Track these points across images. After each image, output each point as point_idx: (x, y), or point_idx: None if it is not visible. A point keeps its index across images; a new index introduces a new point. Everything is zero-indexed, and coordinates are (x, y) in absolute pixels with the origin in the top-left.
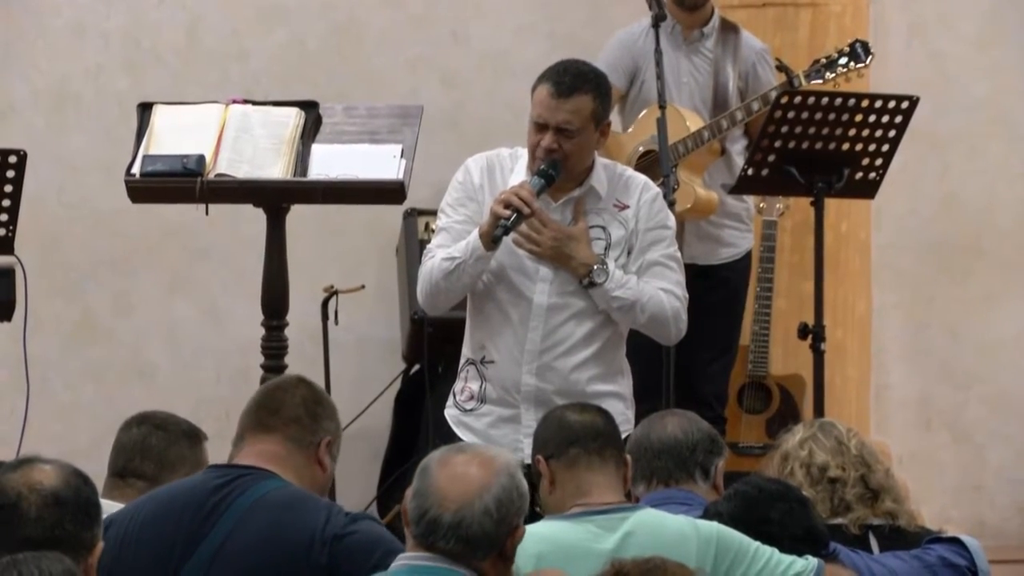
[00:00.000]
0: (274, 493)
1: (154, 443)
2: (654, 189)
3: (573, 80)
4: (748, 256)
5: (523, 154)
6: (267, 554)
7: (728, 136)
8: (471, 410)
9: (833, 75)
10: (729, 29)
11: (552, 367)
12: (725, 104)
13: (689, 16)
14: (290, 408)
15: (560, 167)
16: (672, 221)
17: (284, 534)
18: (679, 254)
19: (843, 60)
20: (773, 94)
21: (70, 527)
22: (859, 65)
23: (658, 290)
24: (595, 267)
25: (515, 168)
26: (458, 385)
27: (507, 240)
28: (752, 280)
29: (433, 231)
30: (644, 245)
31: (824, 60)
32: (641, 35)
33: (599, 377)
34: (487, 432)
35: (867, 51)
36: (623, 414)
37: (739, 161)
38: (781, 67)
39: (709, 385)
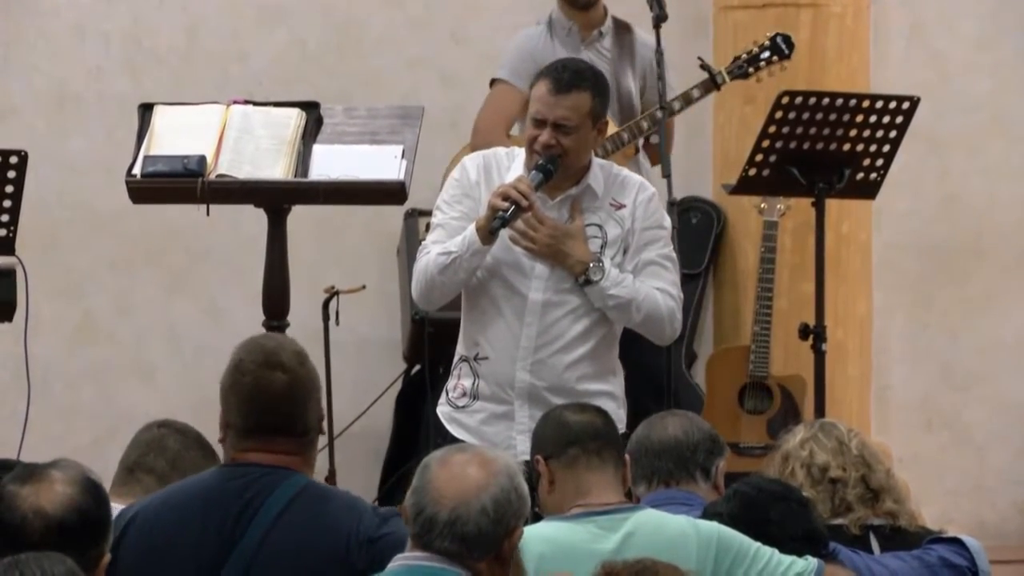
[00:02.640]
0: (302, 495)
1: (171, 444)
2: (650, 189)
3: (572, 77)
4: None
5: (519, 153)
6: (306, 559)
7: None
8: (464, 407)
9: (756, 70)
10: (623, 28)
11: (546, 364)
12: (628, 103)
13: (583, 16)
14: (287, 413)
15: (558, 162)
16: (668, 221)
17: (320, 538)
18: (674, 254)
19: (765, 54)
20: (696, 92)
21: (72, 554)
22: (782, 59)
23: (653, 289)
24: (591, 265)
25: (512, 167)
26: (451, 382)
27: (503, 236)
28: (752, 281)
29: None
30: (640, 244)
31: (745, 56)
32: (539, 38)
33: (591, 376)
34: (480, 429)
35: (789, 44)
36: (615, 413)
37: (641, 158)
38: (703, 66)
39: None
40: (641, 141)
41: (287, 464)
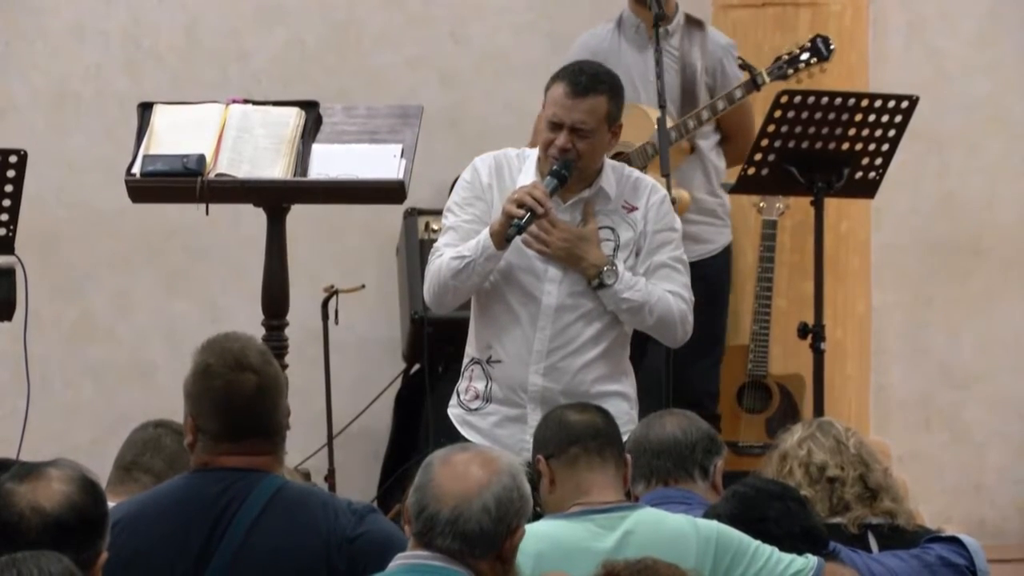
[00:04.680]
0: (278, 496)
1: (168, 443)
2: (662, 191)
3: (589, 80)
4: (726, 252)
5: (531, 154)
6: (286, 560)
7: (697, 133)
8: (476, 409)
9: (795, 71)
10: (694, 26)
11: (559, 367)
12: (693, 101)
13: (651, 13)
14: (259, 414)
15: (573, 167)
16: (679, 223)
17: (300, 539)
18: (686, 256)
19: (805, 56)
20: (738, 92)
21: (69, 552)
22: (821, 61)
23: (666, 292)
24: (605, 268)
25: (523, 168)
26: (462, 385)
27: (516, 240)
28: (751, 280)
29: (434, 230)
30: (652, 247)
31: (786, 56)
32: (605, 37)
33: (605, 377)
34: (492, 432)
35: (828, 46)
36: (627, 414)
37: (712, 158)
38: (744, 65)
39: (699, 383)
40: (714, 139)
41: (260, 465)
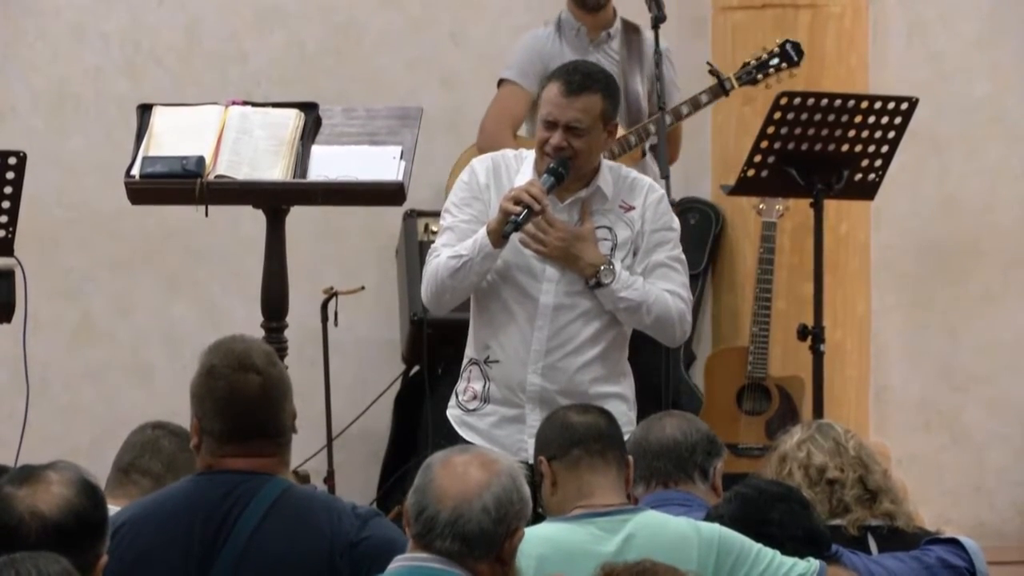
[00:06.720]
0: (282, 499)
1: (166, 445)
2: (659, 191)
3: (583, 79)
4: None
5: (528, 155)
6: (289, 564)
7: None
8: (474, 410)
9: (764, 76)
10: (631, 30)
11: (557, 367)
12: (636, 105)
13: (592, 18)
14: (263, 415)
15: (569, 165)
16: (677, 223)
17: (303, 543)
18: (684, 256)
19: (774, 61)
20: (704, 97)
21: (69, 556)
22: (791, 66)
23: (663, 292)
24: (602, 268)
25: (521, 169)
26: (461, 385)
27: (513, 239)
28: (751, 281)
29: (433, 232)
30: (649, 246)
31: (754, 62)
32: (547, 39)
33: (603, 378)
34: (491, 432)
35: (799, 51)
36: (625, 415)
37: (650, 164)
38: (712, 71)
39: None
40: (648, 144)
41: (265, 467)
